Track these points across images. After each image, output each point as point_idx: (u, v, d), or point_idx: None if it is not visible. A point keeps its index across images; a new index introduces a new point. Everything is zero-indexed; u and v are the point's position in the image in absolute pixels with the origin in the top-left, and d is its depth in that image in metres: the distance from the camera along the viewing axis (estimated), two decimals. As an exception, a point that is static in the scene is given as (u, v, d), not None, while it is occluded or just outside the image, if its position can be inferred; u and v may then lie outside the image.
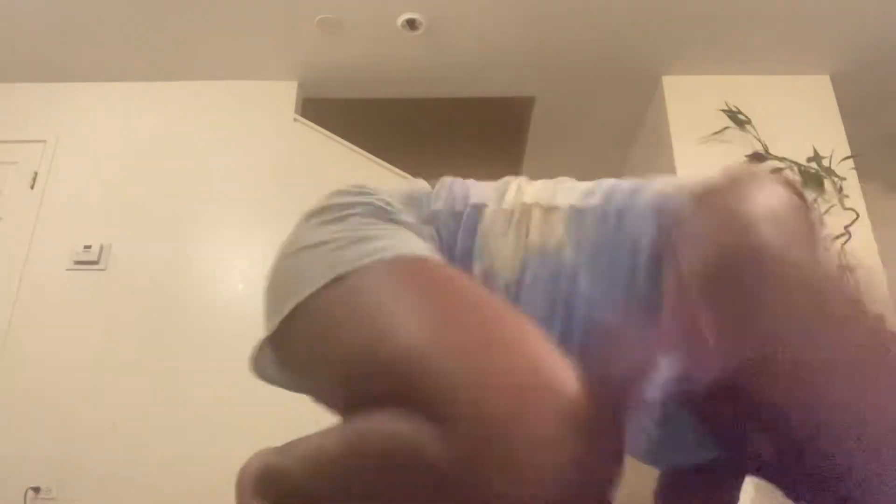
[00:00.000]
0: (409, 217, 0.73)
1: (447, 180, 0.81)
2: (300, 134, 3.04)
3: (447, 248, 0.73)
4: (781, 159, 2.85)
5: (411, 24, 2.82)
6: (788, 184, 0.67)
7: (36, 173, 2.96)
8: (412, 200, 0.76)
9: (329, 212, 0.72)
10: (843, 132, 2.98)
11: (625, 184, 0.78)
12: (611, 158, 3.69)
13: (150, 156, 3.01)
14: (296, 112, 3.11)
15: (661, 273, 0.65)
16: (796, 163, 2.84)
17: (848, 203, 2.81)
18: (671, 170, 2.93)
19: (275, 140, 3.01)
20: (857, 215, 2.79)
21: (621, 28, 2.87)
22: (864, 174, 2.96)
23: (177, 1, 2.73)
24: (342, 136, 3.06)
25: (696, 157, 2.91)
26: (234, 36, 2.93)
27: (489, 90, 3.30)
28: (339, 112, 3.31)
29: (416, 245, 0.68)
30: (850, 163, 2.88)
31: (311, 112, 3.20)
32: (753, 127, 2.92)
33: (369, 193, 0.74)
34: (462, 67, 3.13)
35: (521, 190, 0.78)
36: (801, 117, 3.00)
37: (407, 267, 0.63)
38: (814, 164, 2.83)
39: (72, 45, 2.96)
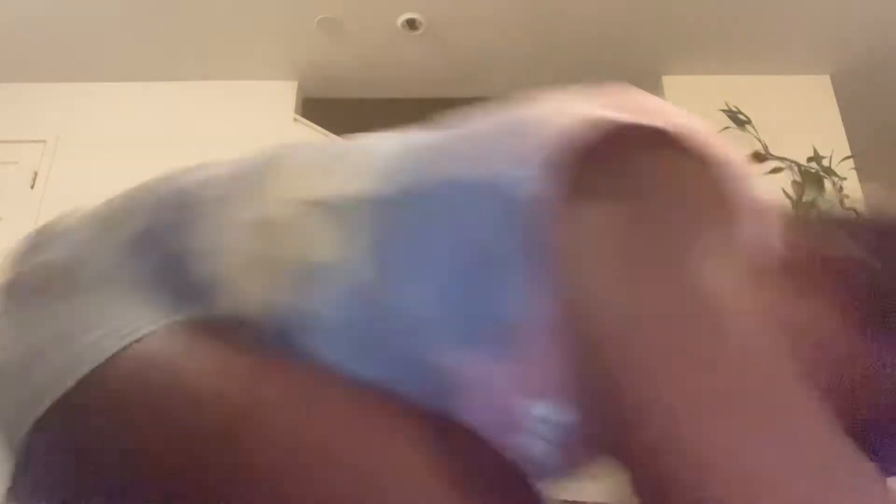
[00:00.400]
0: (114, 259, 0.53)
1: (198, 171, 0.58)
2: (300, 134, 3.04)
3: (179, 282, 0.51)
4: (781, 159, 2.85)
5: (411, 24, 2.82)
6: (679, 139, 0.45)
7: (36, 173, 2.96)
8: (111, 224, 0.57)
9: (19, 295, 0.54)
10: (843, 132, 2.98)
11: (459, 144, 0.51)
12: (611, 158, 3.68)
13: (151, 156, 3.01)
14: (296, 112, 3.11)
15: (511, 287, 0.44)
16: (796, 163, 2.85)
17: (848, 203, 2.81)
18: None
19: (275, 140, 2.99)
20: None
21: (621, 28, 2.87)
22: (864, 174, 2.96)
23: (177, 1, 2.73)
24: (342, 136, 3.06)
25: (696, 157, 2.91)
26: (235, 36, 2.93)
27: (489, 90, 3.30)
28: (339, 112, 3.31)
29: (127, 322, 0.47)
30: (850, 163, 2.88)
31: (311, 112, 3.20)
32: (753, 127, 2.91)
33: (49, 245, 0.57)
34: (462, 67, 3.13)
35: (281, 172, 0.54)
36: (801, 117, 3.00)
37: (132, 378, 0.44)
38: (814, 164, 2.83)
39: (72, 45, 2.96)
